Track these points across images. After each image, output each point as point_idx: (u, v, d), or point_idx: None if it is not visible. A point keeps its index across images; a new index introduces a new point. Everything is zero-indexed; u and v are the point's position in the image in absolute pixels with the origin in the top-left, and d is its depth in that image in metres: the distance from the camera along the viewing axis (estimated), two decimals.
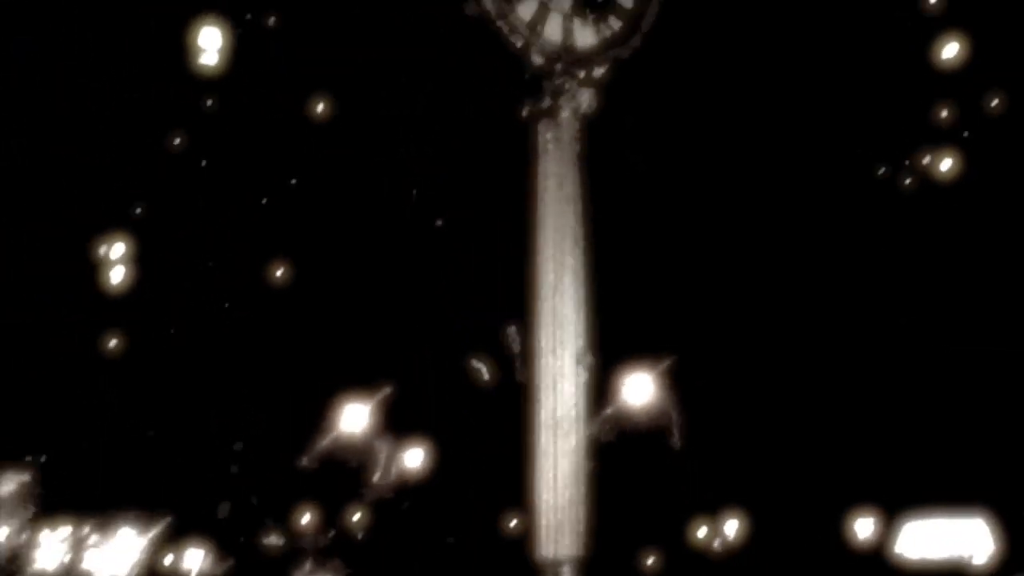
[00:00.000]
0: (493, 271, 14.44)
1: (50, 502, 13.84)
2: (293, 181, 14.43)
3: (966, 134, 14.82)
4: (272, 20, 14.23)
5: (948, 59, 14.71)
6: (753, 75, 14.87)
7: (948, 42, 14.72)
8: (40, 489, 13.87)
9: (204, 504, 14.23)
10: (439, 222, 14.59)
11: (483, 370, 14.29)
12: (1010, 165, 14.78)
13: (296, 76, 14.27)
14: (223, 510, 14.28)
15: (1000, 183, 14.77)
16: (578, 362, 13.83)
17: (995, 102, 14.79)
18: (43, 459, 13.90)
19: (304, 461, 14.12)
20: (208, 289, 14.44)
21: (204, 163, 14.31)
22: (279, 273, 14.47)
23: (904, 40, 14.79)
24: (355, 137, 14.54)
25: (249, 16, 14.18)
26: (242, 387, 14.33)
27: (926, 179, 15.03)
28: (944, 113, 14.98)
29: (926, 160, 14.96)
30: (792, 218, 14.92)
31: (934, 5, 14.67)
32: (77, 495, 13.93)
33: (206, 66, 14.02)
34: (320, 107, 14.24)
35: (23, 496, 13.87)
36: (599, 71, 14.11)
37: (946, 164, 14.83)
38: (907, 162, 15.04)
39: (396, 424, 14.20)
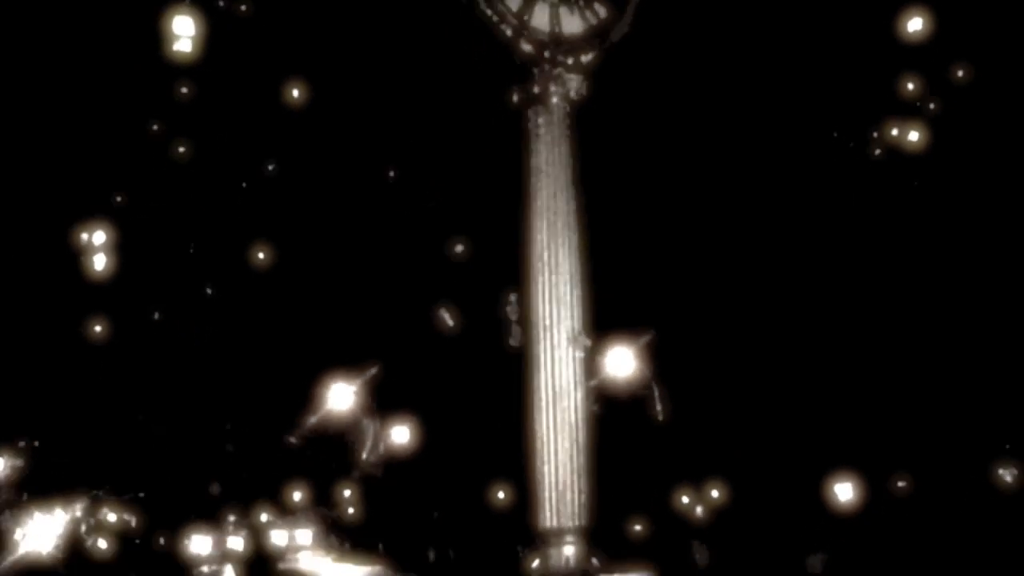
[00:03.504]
0: (487, 253, 14.71)
1: (40, 486, 14.02)
2: (271, 166, 14.51)
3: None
4: (251, 6, 14.34)
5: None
6: (740, 59, 15.13)
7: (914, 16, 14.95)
8: (30, 473, 14.05)
9: (195, 484, 14.45)
10: (432, 204, 14.79)
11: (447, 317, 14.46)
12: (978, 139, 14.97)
13: (285, 63, 14.45)
14: (213, 489, 14.49)
15: (969, 158, 14.98)
16: (573, 341, 14.09)
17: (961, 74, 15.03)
18: (34, 443, 14.11)
19: (293, 439, 14.39)
20: (191, 273, 14.61)
21: (182, 150, 14.44)
22: (263, 255, 14.65)
23: (876, 15, 14.98)
24: (344, 124, 14.75)
25: (224, 2, 14.30)
26: (229, 368, 14.54)
27: (896, 152, 15.25)
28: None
29: (895, 132, 15.20)
30: (778, 198, 15.17)
31: None
32: (66, 479, 14.10)
33: (181, 53, 14.12)
34: (303, 93, 14.39)
35: (13, 480, 14.03)
36: (587, 57, 14.38)
37: (913, 135, 15.03)
38: (874, 135, 15.28)
39: (385, 402, 14.42)
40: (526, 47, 14.24)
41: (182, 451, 14.55)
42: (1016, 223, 15.05)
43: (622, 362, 14.53)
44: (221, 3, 14.28)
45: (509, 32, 14.15)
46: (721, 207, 15.21)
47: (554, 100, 14.25)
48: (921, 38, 14.99)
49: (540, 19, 14.31)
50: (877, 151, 15.32)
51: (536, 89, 14.23)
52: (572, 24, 14.42)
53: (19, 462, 14.14)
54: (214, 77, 14.30)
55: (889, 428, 14.94)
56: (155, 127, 14.27)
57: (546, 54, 14.15)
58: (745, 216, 15.24)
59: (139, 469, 14.43)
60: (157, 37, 13.94)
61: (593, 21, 14.47)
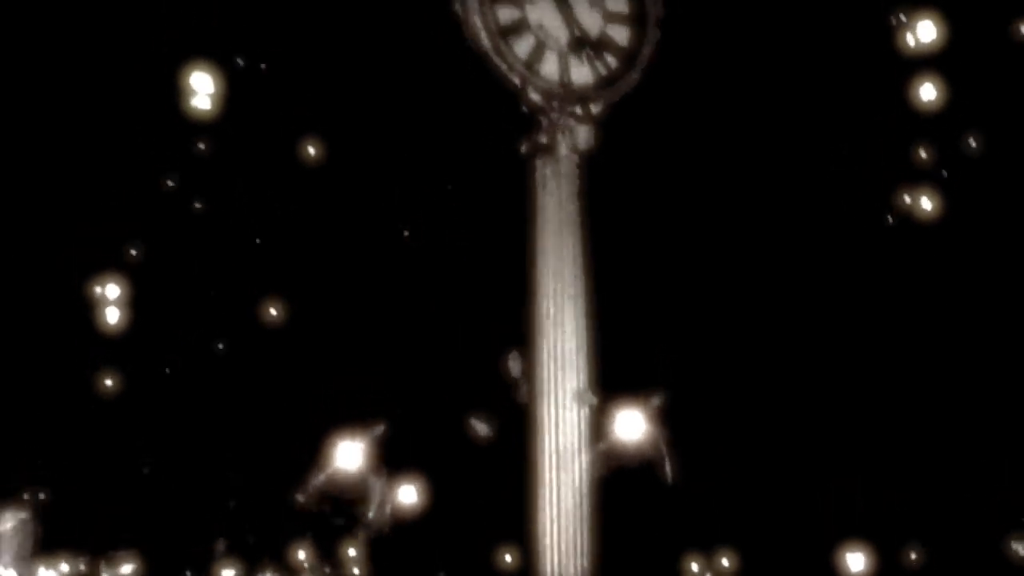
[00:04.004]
0: (493, 307, 14.46)
1: (48, 539, 13.97)
2: (288, 220, 14.46)
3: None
4: (265, 63, 14.35)
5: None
6: (753, 112, 14.90)
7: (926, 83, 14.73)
8: (38, 526, 13.98)
9: (200, 540, 14.36)
10: (437, 256, 14.62)
11: (481, 426, 14.29)
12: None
13: (288, 113, 14.40)
14: (219, 546, 14.28)
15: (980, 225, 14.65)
16: (578, 399, 13.78)
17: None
18: (41, 496, 14.04)
19: (302, 497, 14.16)
20: (202, 328, 14.61)
21: (198, 205, 14.51)
22: (273, 311, 14.61)
23: (886, 77, 14.73)
24: (351, 172, 14.66)
25: (241, 61, 14.33)
26: (238, 425, 14.48)
27: (910, 217, 14.94)
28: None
29: (908, 199, 14.97)
30: (790, 259, 14.87)
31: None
32: (74, 533, 14.10)
33: (198, 109, 14.14)
34: (313, 148, 14.33)
35: (22, 533, 13.97)
36: (596, 108, 14.14)
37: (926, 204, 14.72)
38: (891, 201, 14.98)
39: (395, 459, 14.22)
40: (534, 96, 14.00)
41: (187, 506, 14.43)
42: None
43: (630, 424, 14.12)
44: (240, 61, 14.36)
45: (517, 80, 13.92)
46: (733, 265, 14.87)
47: (562, 151, 13.99)
48: (934, 107, 14.80)
49: (549, 68, 14.09)
50: (890, 218, 15.07)
51: (544, 139, 13.99)
52: (581, 74, 14.18)
53: (25, 515, 14.08)
54: (230, 133, 14.35)
55: (902, 499, 14.56)
56: (171, 182, 14.35)
57: (554, 104, 13.93)
58: (758, 275, 14.87)
59: (142, 523, 14.40)
60: (175, 92, 13.97)
61: (603, 71, 14.21)
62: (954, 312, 14.93)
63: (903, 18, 14.48)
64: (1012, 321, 14.62)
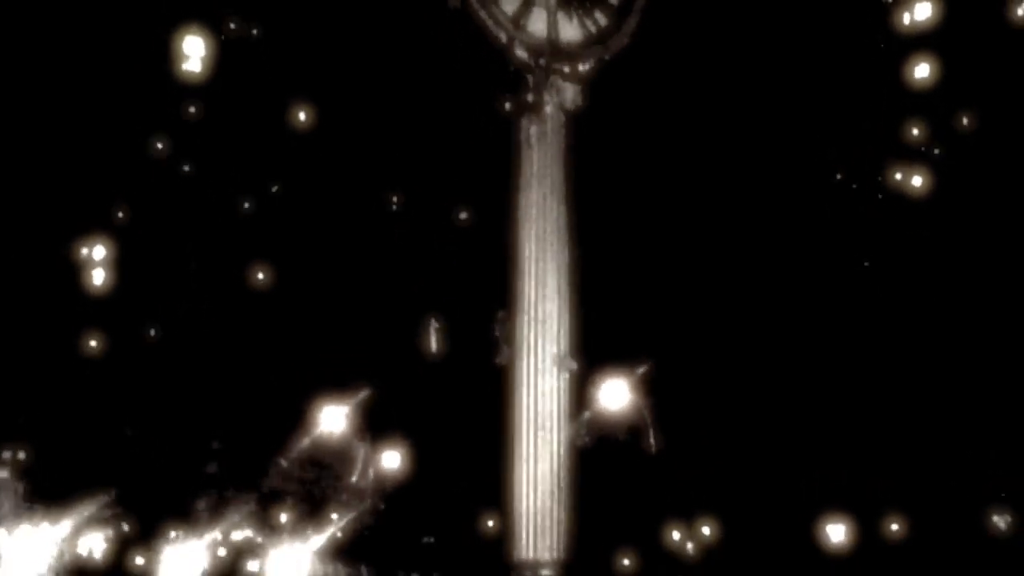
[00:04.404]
0: (475, 269, 14.20)
1: (30, 497, 14.01)
2: (274, 188, 14.23)
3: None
4: (253, 22, 14.06)
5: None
6: (745, 71, 14.63)
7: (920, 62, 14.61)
8: (20, 484, 14.01)
9: (185, 500, 14.25)
10: (419, 218, 14.34)
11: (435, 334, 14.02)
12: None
13: (275, 72, 14.11)
14: (200, 506, 14.14)
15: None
16: (559, 365, 13.51)
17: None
18: (23, 456, 14.07)
19: (282, 461, 13.93)
20: (189, 292, 14.53)
21: (186, 168, 14.40)
22: (259, 276, 14.51)
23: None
24: (334, 134, 14.38)
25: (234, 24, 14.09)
26: (222, 388, 14.39)
27: (897, 190, 14.76)
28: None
29: (898, 174, 14.77)
30: (777, 219, 14.56)
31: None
32: (56, 491, 14.05)
33: (189, 73, 14.09)
34: (305, 111, 14.05)
35: (3, 492, 14.04)
36: (585, 66, 13.84)
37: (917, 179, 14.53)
38: (883, 178, 14.77)
39: (374, 424, 14.01)
40: (521, 53, 13.71)
41: (169, 467, 14.33)
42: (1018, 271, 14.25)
43: (613, 393, 13.86)
44: (232, 25, 14.27)
45: (503, 37, 13.61)
46: (721, 227, 14.58)
47: (548, 109, 13.71)
48: (927, 85, 14.72)
49: (537, 25, 13.81)
50: (880, 195, 14.92)
51: (530, 97, 13.68)
52: (570, 31, 13.91)
53: (3, 474, 14.12)
54: (221, 97, 14.25)
55: (886, 471, 14.26)
56: (160, 145, 14.26)
57: (541, 61, 13.61)
58: (746, 234, 14.59)
59: (126, 486, 14.38)
60: (167, 56, 13.98)
61: (592, 29, 13.95)
62: (936, 291, 14.70)
63: None
64: (996, 299, 14.27)
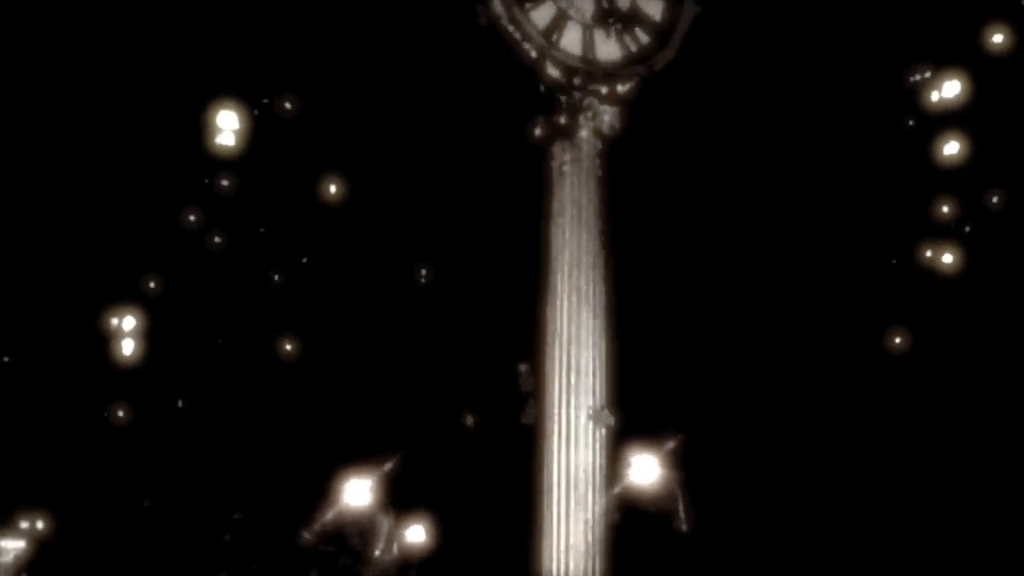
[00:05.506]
0: (502, 314, 13.33)
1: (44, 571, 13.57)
2: (304, 260, 14.23)
3: None
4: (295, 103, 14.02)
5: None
6: (789, 96, 13.95)
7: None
8: (39, 557, 13.61)
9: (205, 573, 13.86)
10: (444, 262, 13.63)
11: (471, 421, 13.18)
12: None
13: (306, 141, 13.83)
14: None
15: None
16: (594, 418, 12.55)
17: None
18: (41, 526, 13.68)
19: (306, 535, 13.42)
20: (214, 362, 14.16)
21: (217, 240, 14.16)
22: (286, 347, 14.13)
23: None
24: (362, 203, 13.71)
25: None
26: (245, 460, 13.97)
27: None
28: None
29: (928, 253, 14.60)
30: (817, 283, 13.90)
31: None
32: (75, 564, 13.60)
33: (222, 146, 13.95)
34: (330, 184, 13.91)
35: (20, 563, 13.67)
36: (623, 87, 13.00)
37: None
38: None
39: (398, 497, 13.37)
40: (553, 72, 12.84)
41: (190, 541, 13.99)
42: None
43: (645, 467, 13.03)
44: (265, 100, 14.06)
45: (534, 53, 12.77)
46: (767, 269, 13.77)
47: (583, 134, 12.87)
48: (957, 162, 14.40)
49: (571, 41, 12.98)
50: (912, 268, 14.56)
51: (562, 121, 12.87)
52: (608, 50, 13.07)
53: (22, 544, 13.74)
54: (254, 170, 14.10)
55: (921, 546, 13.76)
56: (192, 217, 14.20)
57: (576, 81, 12.78)
58: (791, 282, 13.77)
59: (144, 557, 13.85)
60: (200, 129, 13.88)
61: (633, 48, 13.12)
62: (970, 375, 14.23)
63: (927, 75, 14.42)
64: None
